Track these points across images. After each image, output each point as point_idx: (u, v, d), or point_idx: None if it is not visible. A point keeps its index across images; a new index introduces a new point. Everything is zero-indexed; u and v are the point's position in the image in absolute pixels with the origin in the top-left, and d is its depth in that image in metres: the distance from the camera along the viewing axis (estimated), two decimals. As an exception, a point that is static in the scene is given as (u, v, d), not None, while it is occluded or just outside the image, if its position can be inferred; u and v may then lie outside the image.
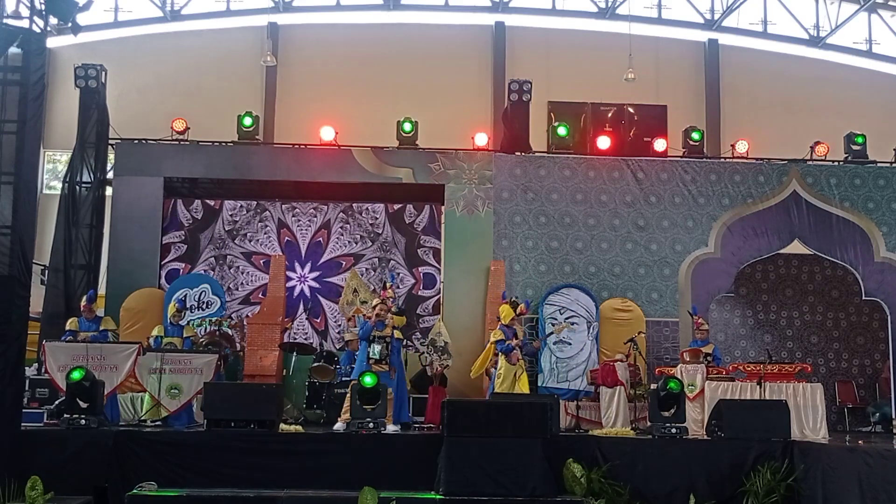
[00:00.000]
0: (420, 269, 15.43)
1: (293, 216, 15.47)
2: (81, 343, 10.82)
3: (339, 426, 10.52)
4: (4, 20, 9.72)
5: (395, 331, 11.27)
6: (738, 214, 14.73)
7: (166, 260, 15.09)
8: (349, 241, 15.45)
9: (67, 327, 11.44)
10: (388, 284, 12.10)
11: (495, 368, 11.65)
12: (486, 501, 8.62)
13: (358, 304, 13.36)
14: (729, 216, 14.70)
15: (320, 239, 15.46)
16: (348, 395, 10.54)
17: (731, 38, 22.25)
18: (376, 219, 15.51)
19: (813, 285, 16.05)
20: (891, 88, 21.91)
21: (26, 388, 11.01)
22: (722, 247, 14.62)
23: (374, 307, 11.40)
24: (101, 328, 11.42)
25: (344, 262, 15.33)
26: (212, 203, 15.38)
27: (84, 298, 11.98)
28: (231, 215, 15.37)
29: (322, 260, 15.40)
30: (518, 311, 11.94)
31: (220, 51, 21.04)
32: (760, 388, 10.72)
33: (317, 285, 15.31)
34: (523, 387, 11.49)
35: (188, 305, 13.57)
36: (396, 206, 15.53)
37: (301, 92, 20.59)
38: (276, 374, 12.99)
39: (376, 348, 10.86)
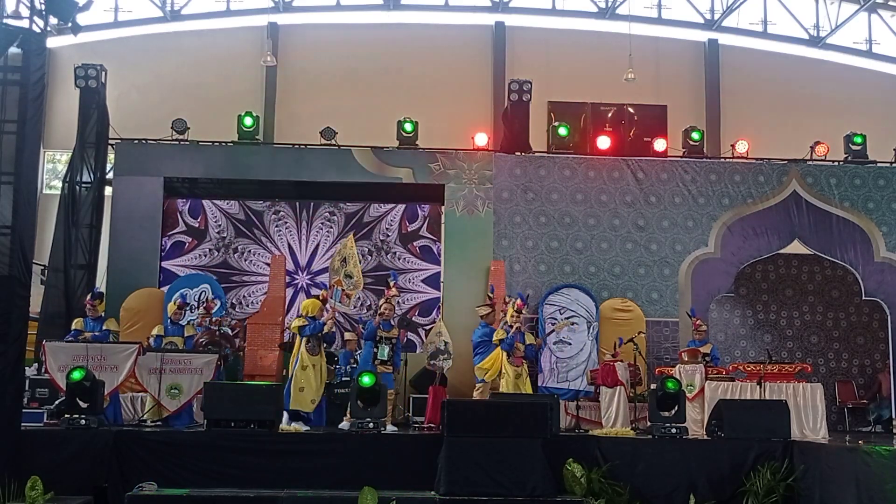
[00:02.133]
0: (416, 243, 15.43)
1: (278, 218, 15.43)
2: (81, 343, 10.81)
3: (344, 424, 10.53)
4: (4, 20, 9.72)
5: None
6: (738, 214, 14.73)
7: (174, 231, 15.16)
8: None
9: (73, 327, 11.44)
10: (391, 283, 11.87)
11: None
12: (486, 501, 8.62)
13: (342, 275, 12.58)
14: (729, 216, 14.71)
15: (319, 240, 15.46)
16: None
17: (731, 38, 22.23)
18: (386, 228, 15.51)
19: (813, 285, 16.05)
20: (891, 88, 21.90)
21: (26, 388, 11.00)
22: (722, 247, 14.62)
23: (379, 307, 11.41)
24: (104, 328, 11.41)
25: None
26: (196, 224, 15.32)
27: (88, 296, 11.95)
28: (218, 232, 15.32)
29: (318, 260, 15.38)
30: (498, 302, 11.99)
31: (220, 51, 21.03)
32: (760, 388, 10.72)
33: (312, 284, 15.32)
34: (524, 387, 11.47)
35: (189, 305, 13.55)
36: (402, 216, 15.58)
37: (301, 92, 20.59)
38: (276, 374, 12.99)
39: (385, 350, 10.86)
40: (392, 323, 11.25)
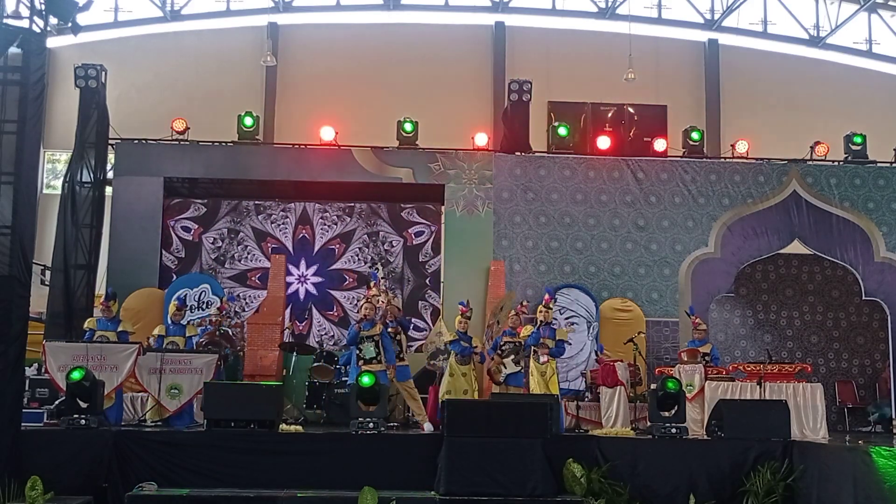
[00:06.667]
0: (410, 230, 15.52)
1: (268, 218, 15.54)
2: (81, 343, 10.79)
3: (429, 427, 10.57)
4: (4, 20, 9.71)
5: (388, 326, 11.12)
6: (738, 214, 14.73)
7: (182, 216, 15.27)
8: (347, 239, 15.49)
9: (86, 326, 11.29)
10: (371, 283, 11.84)
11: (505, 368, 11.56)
12: (486, 501, 8.62)
13: (495, 320, 12.85)
14: (729, 216, 14.71)
15: (314, 237, 15.50)
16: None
17: (731, 38, 22.27)
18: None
19: (813, 285, 16.06)
20: (891, 88, 21.93)
21: (26, 388, 10.99)
22: (722, 247, 14.63)
23: (359, 308, 11.23)
24: (121, 329, 11.23)
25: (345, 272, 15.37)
26: (189, 237, 15.33)
27: (102, 296, 11.74)
28: (212, 242, 15.34)
29: (315, 255, 15.43)
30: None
31: (220, 51, 21.05)
32: (760, 388, 10.72)
33: (314, 290, 15.31)
34: (553, 386, 11.31)
35: (188, 305, 13.57)
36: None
37: (301, 92, 20.60)
38: (276, 374, 12.99)
39: (370, 347, 10.72)
40: (376, 320, 11.10)
